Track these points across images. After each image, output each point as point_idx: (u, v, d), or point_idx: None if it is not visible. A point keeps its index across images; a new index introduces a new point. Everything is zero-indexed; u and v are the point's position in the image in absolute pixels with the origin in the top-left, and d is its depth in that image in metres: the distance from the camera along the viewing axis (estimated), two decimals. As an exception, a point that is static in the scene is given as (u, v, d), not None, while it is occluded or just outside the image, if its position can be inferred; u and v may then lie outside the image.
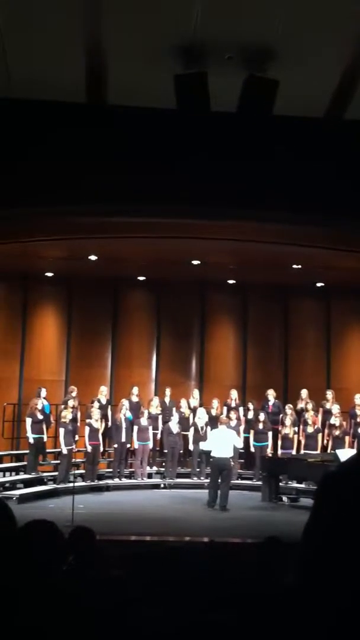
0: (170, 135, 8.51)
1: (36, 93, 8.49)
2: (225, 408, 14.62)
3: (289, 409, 14.13)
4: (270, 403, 14.74)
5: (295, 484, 13.30)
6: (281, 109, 7.71)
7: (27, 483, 12.97)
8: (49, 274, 15.30)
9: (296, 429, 13.97)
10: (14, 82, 8.16)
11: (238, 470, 14.33)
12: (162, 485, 14.16)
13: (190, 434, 14.27)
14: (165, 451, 14.28)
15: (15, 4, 6.88)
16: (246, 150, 8.67)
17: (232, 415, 14.13)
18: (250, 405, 14.80)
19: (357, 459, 0.94)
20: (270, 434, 14.19)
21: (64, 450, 13.01)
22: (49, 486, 13.02)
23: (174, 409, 14.55)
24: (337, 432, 13.50)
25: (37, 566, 2.29)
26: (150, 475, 14.39)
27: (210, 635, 2.79)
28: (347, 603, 0.85)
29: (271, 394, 14.80)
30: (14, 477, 13.37)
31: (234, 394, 14.90)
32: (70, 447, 12.98)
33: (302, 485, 13.16)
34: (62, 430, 13.08)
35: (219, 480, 11.81)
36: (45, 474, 13.47)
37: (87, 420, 13.52)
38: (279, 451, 13.86)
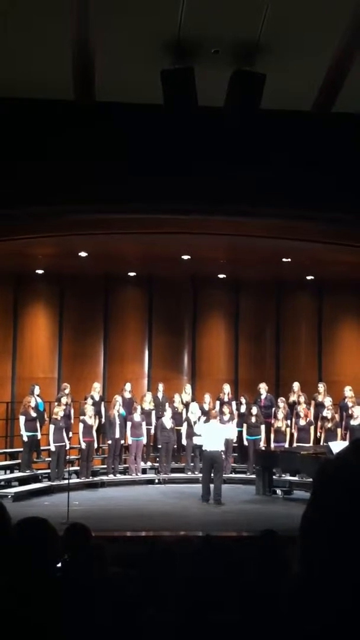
0: (158, 131, 8.49)
1: (21, 91, 8.47)
2: (218, 402, 14.65)
3: (281, 402, 14.18)
4: (263, 397, 14.77)
5: (288, 477, 13.35)
6: (269, 103, 7.71)
7: (22, 481, 12.97)
8: (40, 272, 15.26)
9: (289, 422, 14.02)
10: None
11: (232, 464, 14.37)
12: (156, 481, 14.19)
13: (184, 428, 14.30)
14: (159, 446, 14.30)
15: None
16: (233, 145, 8.65)
17: (225, 409, 14.16)
18: (243, 399, 14.83)
19: (354, 447, 0.95)
20: (263, 427, 14.23)
21: (52, 447, 13.01)
22: (44, 483, 13.02)
23: (167, 404, 14.56)
24: (329, 425, 13.55)
25: (30, 564, 2.30)
26: (144, 471, 14.41)
27: (207, 630, 2.81)
28: (350, 595, 0.86)
29: (263, 387, 14.83)
30: (9, 475, 13.36)
31: (226, 388, 14.93)
32: (61, 444, 12.97)
33: (296, 478, 13.21)
34: (52, 427, 13.09)
35: (212, 474, 11.86)
36: (39, 472, 13.46)
37: (81, 417, 13.53)
38: (272, 444, 13.90)
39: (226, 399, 14.72)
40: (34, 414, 13.24)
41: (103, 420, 14.12)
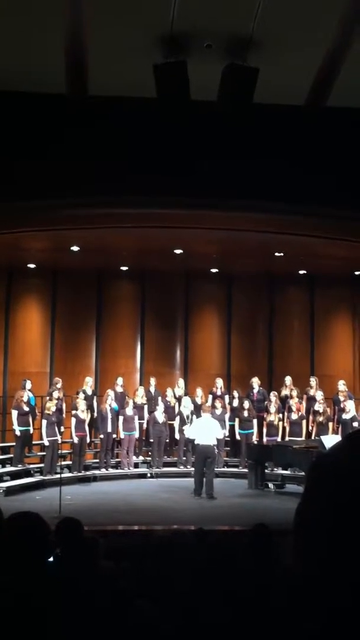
0: (151, 125, 8.46)
1: (13, 84, 8.42)
2: (210, 396, 14.68)
3: (273, 396, 14.22)
4: (255, 391, 14.81)
5: (280, 471, 13.39)
6: (261, 97, 7.70)
7: (14, 475, 12.95)
8: (32, 266, 15.22)
9: (281, 415, 14.06)
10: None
11: (224, 458, 14.40)
12: (148, 475, 14.21)
13: (176, 423, 14.32)
14: (152, 440, 14.32)
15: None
16: (225, 139, 8.64)
17: (218, 403, 14.18)
18: (235, 393, 14.86)
19: (348, 441, 0.95)
20: (255, 421, 14.27)
21: (46, 442, 13.02)
22: (36, 478, 13.01)
23: (160, 398, 14.57)
24: (321, 419, 13.60)
25: (23, 558, 2.29)
26: (136, 465, 14.42)
27: (200, 624, 2.82)
28: (348, 592, 0.86)
29: (256, 381, 14.86)
30: (0, 470, 13.35)
31: (219, 382, 14.95)
32: (53, 439, 12.97)
33: (288, 472, 13.25)
34: (44, 422, 13.09)
35: (204, 468, 11.88)
36: (31, 466, 13.45)
37: (73, 412, 13.52)
38: (264, 438, 13.94)
39: (219, 393, 14.75)
40: (26, 409, 13.23)
41: (95, 414, 14.12)
